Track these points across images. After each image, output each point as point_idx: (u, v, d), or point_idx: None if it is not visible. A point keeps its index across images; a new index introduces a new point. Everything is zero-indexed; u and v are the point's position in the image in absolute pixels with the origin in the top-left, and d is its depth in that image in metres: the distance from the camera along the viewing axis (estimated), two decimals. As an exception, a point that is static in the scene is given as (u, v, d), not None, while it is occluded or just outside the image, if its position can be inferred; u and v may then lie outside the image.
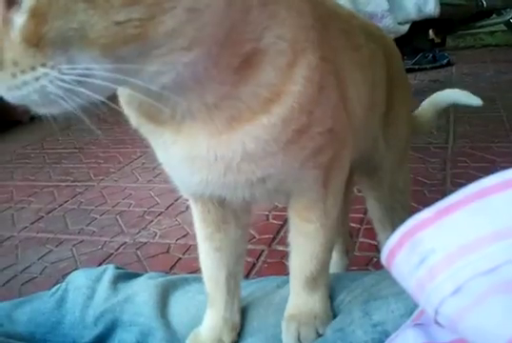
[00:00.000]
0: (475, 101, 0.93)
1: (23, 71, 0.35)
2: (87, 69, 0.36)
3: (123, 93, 0.48)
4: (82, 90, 0.36)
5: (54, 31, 0.34)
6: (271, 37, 0.43)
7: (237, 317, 0.63)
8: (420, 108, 0.97)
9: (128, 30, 0.35)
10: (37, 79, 0.36)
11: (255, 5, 0.42)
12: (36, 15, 0.34)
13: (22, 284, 1.34)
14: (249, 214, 0.63)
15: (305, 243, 0.57)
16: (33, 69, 0.35)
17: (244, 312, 0.63)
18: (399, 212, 0.83)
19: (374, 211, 0.84)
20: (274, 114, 0.44)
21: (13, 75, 0.35)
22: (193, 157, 0.47)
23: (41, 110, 0.39)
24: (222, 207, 0.59)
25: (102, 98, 0.38)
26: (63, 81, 0.36)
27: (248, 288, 0.66)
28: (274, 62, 0.43)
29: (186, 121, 0.45)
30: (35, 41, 0.34)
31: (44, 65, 0.35)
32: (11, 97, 0.37)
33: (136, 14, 0.34)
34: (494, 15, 2.89)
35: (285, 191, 0.54)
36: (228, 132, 0.44)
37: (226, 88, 0.43)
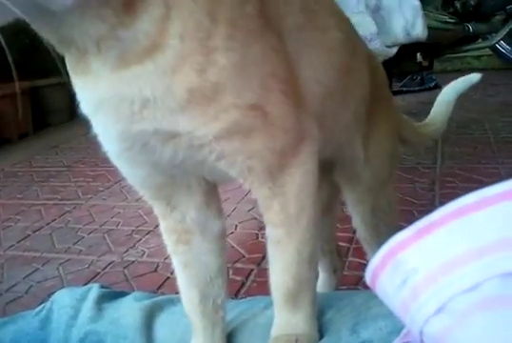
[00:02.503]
0: (475, 78, 0.90)
1: None
2: None
3: None
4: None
5: None
6: None
7: None
8: (429, 115, 0.95)
9: None
10: None
11: None
12: None
13: (6, 303, 1.32)
14: (219, 220, 0.58)
15: (276, 253, 0.53)
16: None
17: (230, 336, 0.61)
18: (383, 232, 0.80)
19: (359, 229, 0.82)
20: (157, 61, 0.44)
21: None
22: (101, 101, 0.46)
23: None
24: (177, 209, 0.56)
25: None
26: None
27: (236, 309, 0.65)
28: (150, 11, 0.43)
29: (88, 61, 0.45)
30: None
31: None
32: None
33: None
34: (480, 40, 2.95)
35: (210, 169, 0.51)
36: (122, 72, 0.44)
37: (107, 27, 0.43)
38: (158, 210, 0.58)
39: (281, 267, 0.53)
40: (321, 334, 0.55)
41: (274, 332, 0.56)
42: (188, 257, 0.57)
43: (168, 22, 0.43)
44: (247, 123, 0.47)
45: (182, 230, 0.56)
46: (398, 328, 0.44)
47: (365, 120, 0.72)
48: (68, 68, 0.48)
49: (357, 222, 0.81)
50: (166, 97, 0.44)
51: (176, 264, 0.59)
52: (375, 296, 0.33)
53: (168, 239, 0.58)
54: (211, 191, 0.57)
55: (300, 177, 0.51)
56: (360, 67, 0.69)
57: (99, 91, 0.46)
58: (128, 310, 0.66)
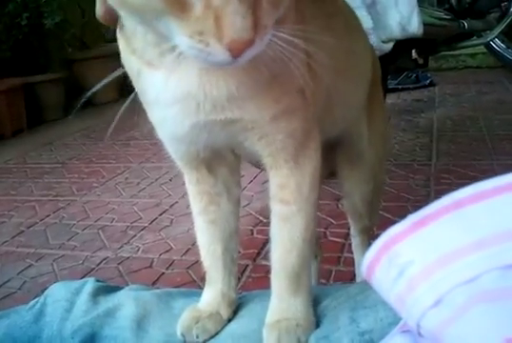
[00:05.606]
0: None
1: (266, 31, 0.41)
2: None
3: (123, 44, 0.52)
4: None
5: None
6: None
7: (234, 294, 0.64)
8: None
9: None
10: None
11: None
12: None
13: (0, 299, 1.31)
14: (239, 189, 0.66)
15: (284, 229, 0.57)
16: (266, 28, 0.41)
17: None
18: (375, 205, 0.89)
19: (356, 205, 0.87)
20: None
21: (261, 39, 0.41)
22: (185, 96, 0.49)
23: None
24: (213, 175, 0.63)
25: None
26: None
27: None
28: None
29: (182, 60, 0.47)
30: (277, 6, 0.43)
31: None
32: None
33: None
34: (474, 37, 2.95)
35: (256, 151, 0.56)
36: (210, 71, 0.48)
37: None
38: (195, 176, 0.63)
39: (288, 244, 0.57)
40: (317, 322, 0.55)
41: (271, 316, 0.56)
42: (217, 216, 0.64)
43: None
44: (295, 103, 0.54)
45: (214, 192, 0.64)
46: (398, 318, 0.44)
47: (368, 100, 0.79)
48: (148, 58, 0.50)
49: (354, 199, 0.87)
50: (249, 86, 0.49)
51: (203, 223, 0.65)
52: (371, 287, 0.33)
53: (200, 201, 0.64)
54: (236, 162, 0.65)
55: (315, 160, 0.58)
56: (364, 49, 0.76)
57: (185, 86, 0.49)
58: (124, 300, 0.65)
